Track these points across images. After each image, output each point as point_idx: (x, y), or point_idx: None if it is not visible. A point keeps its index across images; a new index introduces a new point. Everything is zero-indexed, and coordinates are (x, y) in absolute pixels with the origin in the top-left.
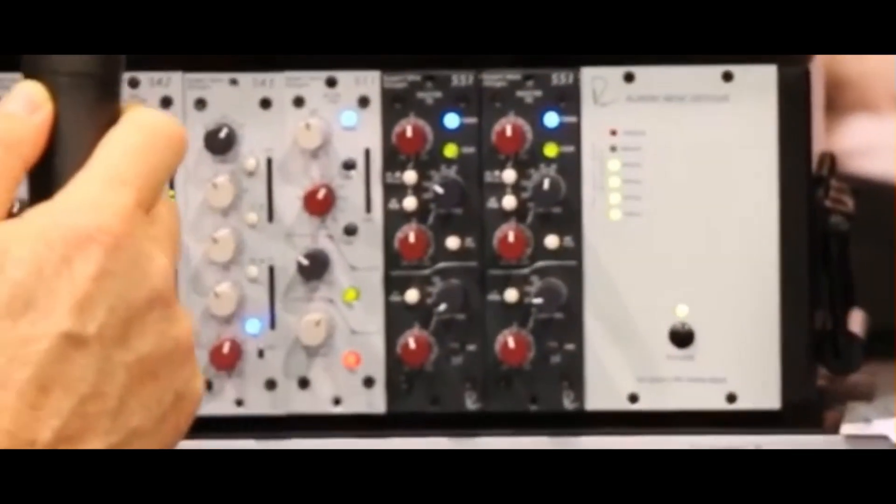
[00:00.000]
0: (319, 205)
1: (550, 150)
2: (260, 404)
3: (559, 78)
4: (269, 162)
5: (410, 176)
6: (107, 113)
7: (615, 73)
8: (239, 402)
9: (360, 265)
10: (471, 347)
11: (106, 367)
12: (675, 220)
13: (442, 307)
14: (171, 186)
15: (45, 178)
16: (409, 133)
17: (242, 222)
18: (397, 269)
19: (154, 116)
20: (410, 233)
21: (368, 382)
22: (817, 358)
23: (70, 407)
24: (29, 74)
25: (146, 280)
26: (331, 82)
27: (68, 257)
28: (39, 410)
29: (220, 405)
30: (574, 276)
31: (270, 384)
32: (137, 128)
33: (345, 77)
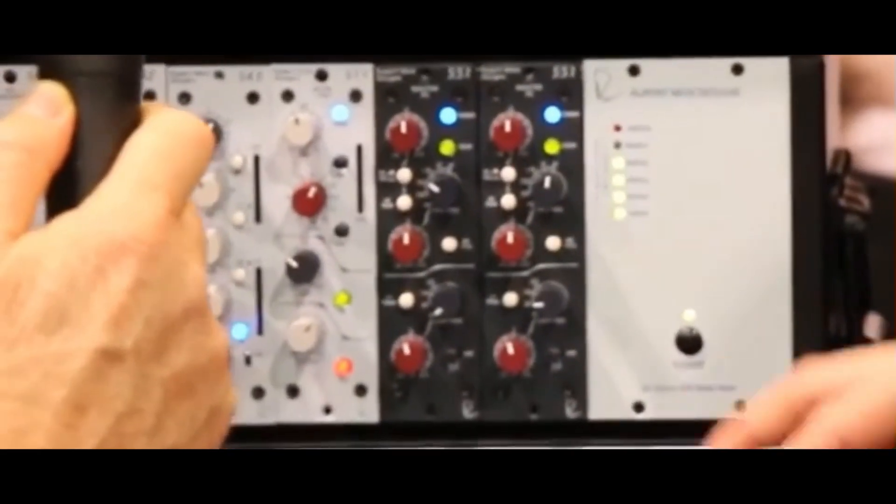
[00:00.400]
0: (309, 204)
1: (551, 146)
2: (247, 414)
3: (560, 71)
4: (257, 159)
5: (405, 174)
6: (128, 114)
7: (619, 65)
8: None
9: (351, 267)
10: (468, 354)
11: (143, 383)
12: (682, 220)
13: (438, 312)
14: None
15: (68, 185)
16: (403, 129)
17: (228, 222)
18: (391, 271)
19: (180, 117)
20: (405, 233)
21: (361, 390)
22: None
23: (107, 426)
24: (46, 75)
25: (182, 290)
26: (321, 75)
27: (102, 268)
28: (76, 430)
29: None
30: (576, 279)
31: (258, 392)
32: (164, 130)
33: (336, 70)
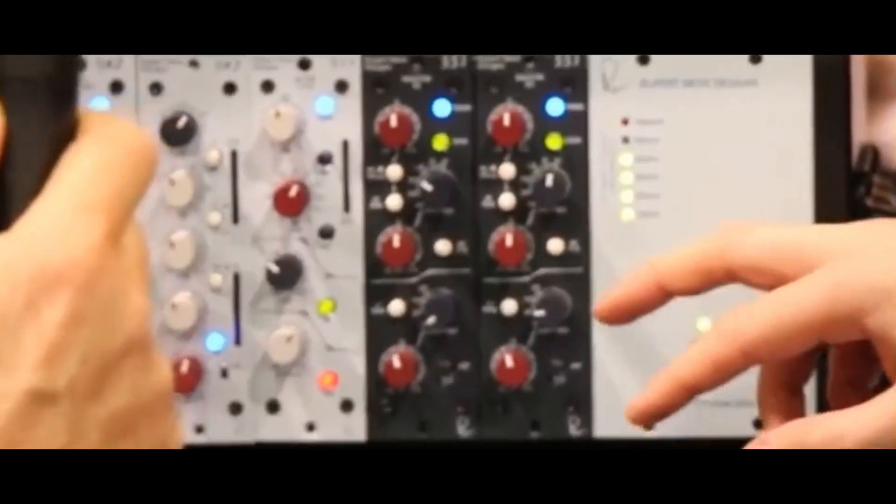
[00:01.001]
0: (291, 204)
1: (554, 141)
2: (223, 431)
3: (564, 60)
4: (234, 155)
5: (395, 171)
6: (64, 124)
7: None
8: (199, 429)
9: (337, 273)
10: (463, 366)
11: (78, 425)
12: (694, 221)
13: (431, 321)
14: None
15: None
16: (393, 122)
17: (203, 223)
18: (380, 277)
19: (121, 129)
20: (395, 236)
21: (347, 406)
22: None
23: None
24: None
25: (121, 324)
26: (304, 64)
27: (34, 301)
28: None
29: None
30: (580, 285)
31: (235, 408)
32: (103, 143)
33: (320, 59)
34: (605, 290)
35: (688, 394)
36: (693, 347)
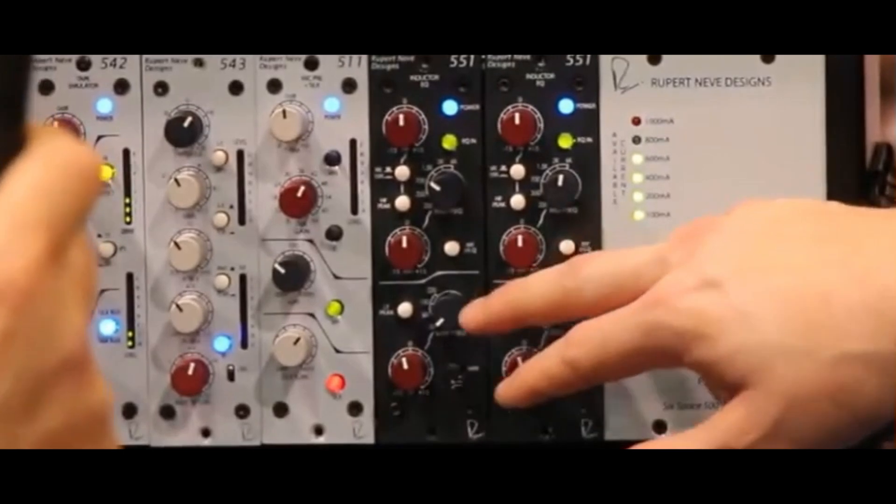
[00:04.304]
0: (298, 205)
1: (565, 141)
2: (230, 434)
3: (575, 59)
4: (241, 155)
5: (403, 171)
6: (11, 140)
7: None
8: (206, 432)
9: (344, 274)
10: (473, 369)
11: (11, 445)
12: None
13: (439, 322)
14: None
15: None
16: (401, 122)
17: (209, 225)
18: (388, 278)
19: (65, 148)
20: (403, 237)
21: (355, 409)
22: None
23: None
24: None
25: (57, 342)
26: (311, 64)
27: None
28: None
29: (183, 436)
30: None
31: (242, 411)
32: (46, 162)
33: (327, 58)
34: None
35: (535, 397)
36: (541, 361)
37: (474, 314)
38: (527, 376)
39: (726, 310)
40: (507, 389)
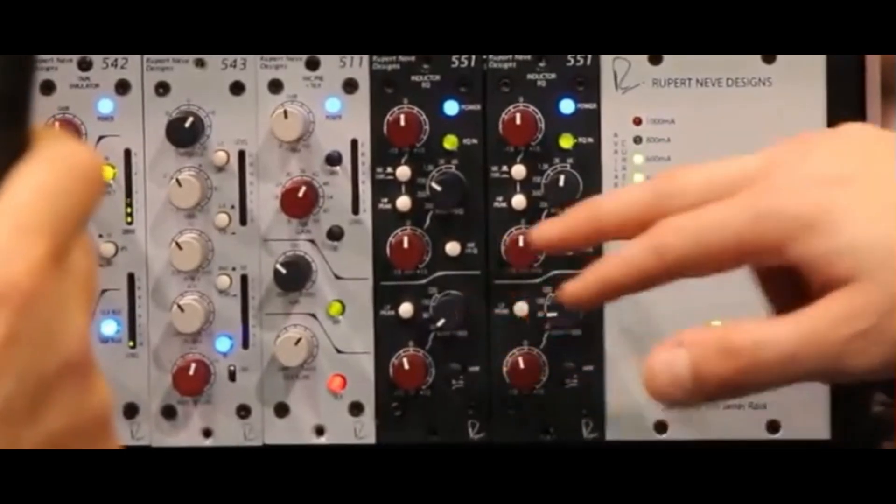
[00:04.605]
0: (299, 205)
1: (566, 141)
2: (231, 435)
3: (576, 59)
4: (242, 155)
5: (404, 171)
6: (15, 143)
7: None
8: (207, 433)
9: (346, 274)
10: (474, 369)
11: (13, 447)
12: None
13: (440, 323)
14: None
15: None
16: (402, 122)
17: (210, 225)
18: (389, 278)
19: (68, 150)
20: (404, 237)
21: (356, 409)
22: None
23: None
24: None
25: (60, 345)
26: (312, 64)
27: None
28: None
29: (184, 436)
30: None
31: (243, 411)
32: (49, 164)
33: (328, 58)
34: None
35: (608, 290)
36: (623, 251)
37: (549, 227)
38: (603, 265)
39: (852, 202)
40: (576, 282)
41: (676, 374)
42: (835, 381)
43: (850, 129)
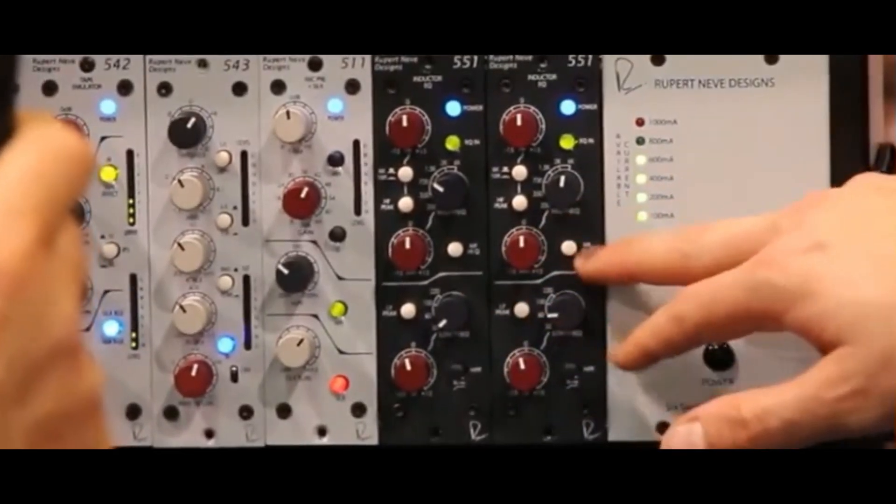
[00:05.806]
0: (302, 205)
1: (567, 142)
2: (233, 435)
3: (577, 59)
4: (244, 156)
5: (406, 172)
6: None
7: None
8: (209, 434)
9: (348, 275)
10: (475, 370)
11: (2, 430)
12: (709, 222)
13: (442, 324)
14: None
15: None
16: (404, 123)
17: (213, 225)
18: (391, 279)
19: (55, 134)
20: (406, 238)
21: (358, 410)
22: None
23: None
24: None
25: (49, 328)
26: (314, 65)
27: None
28: None
29: (187, 436)
30: (594, 288)
31: (245, 412)
32: (36, 148)
33: (330, 58)
34: (620, 294)
35: (646, 357)
36: (653, 319)
37: (589, 263)
38: (637, 334)
39: (829, 268)
40: (620, 350)
41: (693, 447)
42: (840, 438)
43: (856, 184)
